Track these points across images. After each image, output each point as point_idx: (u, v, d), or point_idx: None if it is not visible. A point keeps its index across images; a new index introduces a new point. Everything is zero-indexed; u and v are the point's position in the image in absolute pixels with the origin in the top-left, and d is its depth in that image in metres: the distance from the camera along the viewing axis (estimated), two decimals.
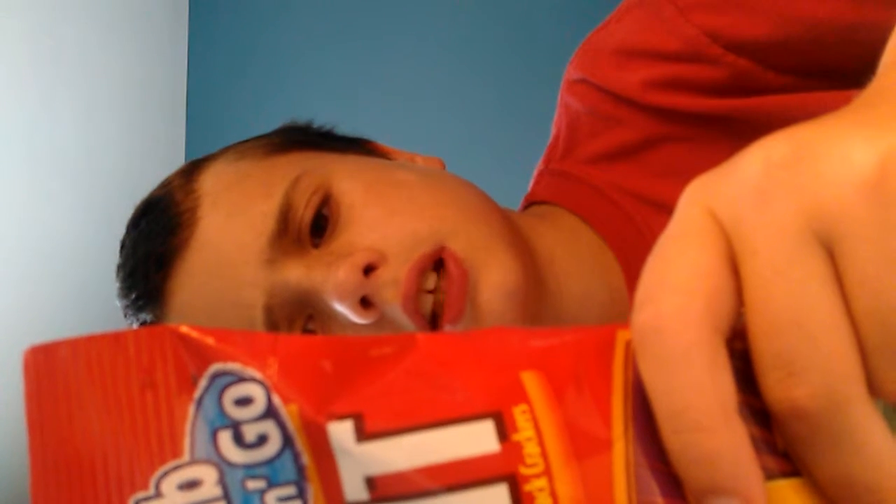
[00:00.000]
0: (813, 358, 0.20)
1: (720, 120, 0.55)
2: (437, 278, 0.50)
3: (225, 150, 0.58)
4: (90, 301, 1.80)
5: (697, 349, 0.20)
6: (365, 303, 0.49)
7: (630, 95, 0.57)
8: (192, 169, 0.57)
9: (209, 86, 2.16)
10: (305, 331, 0.51)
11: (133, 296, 0.55)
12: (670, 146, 0.57)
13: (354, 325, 0.49)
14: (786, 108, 0.53)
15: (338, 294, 0.48)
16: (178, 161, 2.12)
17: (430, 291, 0.50)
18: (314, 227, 0.51)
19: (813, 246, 0.20)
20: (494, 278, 0.50)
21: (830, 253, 0.20)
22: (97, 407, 0.21)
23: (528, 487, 0.21)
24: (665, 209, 0.58)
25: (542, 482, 0.21)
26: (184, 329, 0.22)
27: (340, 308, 0.49)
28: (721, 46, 0.53)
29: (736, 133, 0.55)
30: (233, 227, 0.52)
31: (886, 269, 0.19)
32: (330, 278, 0.49)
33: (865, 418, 0.20)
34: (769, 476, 0.22)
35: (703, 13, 0.53)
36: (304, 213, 0.51)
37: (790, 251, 0.20)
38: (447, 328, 0.49)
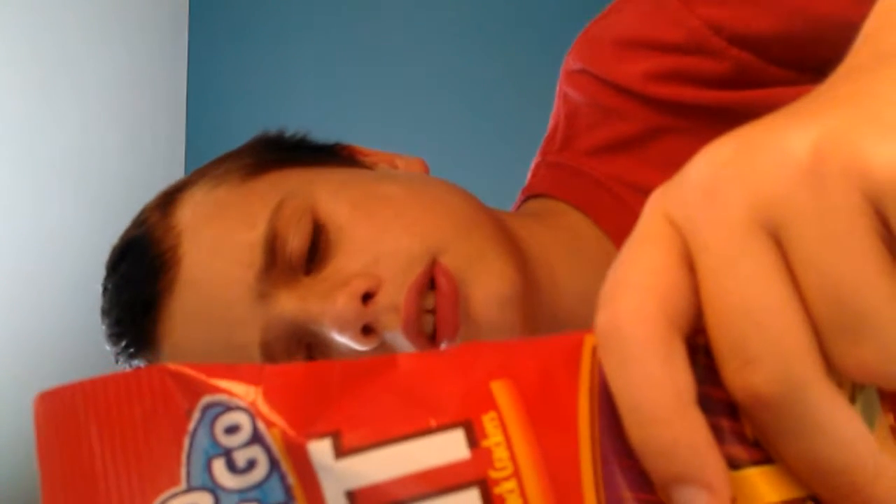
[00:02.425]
0: (764, 344, 0.21)
1: (721, 112, 0.55)
2: (435, 295, 0.49)
3: (199, 176, 0.57)
4: (90, 302, 1.76)
5: (652, 344, 0.21)
6: (366, 330, 0.49)
7: (631, 87, 0.57)
8: (168, 202, 0.55)
9: (209, 87, 2.17)
10: (308, 360, 0.51)
11: (123, 343, 0.55)
12: (671, 138, 0.57)
13: (356, 352, 0.49)
14: (786, 100, 0.52)
15: (338, 325, 0.48)
16: (178, 162, 2.09)
17: (430, 311, 0.49)
18: (308, 256, 0.50)
19: (760, 236, 0.21)
20: (488, 288, 0.49)
21: (777, 241, 0.21)
22: (101, 445, 0.23)
23: (498, 490, 0.22)
24: None
25: (511, 484, 0.22)
26: (174, 367, 0.24)
27: (341, 339, 0.49)
28: (724, 39, 0.53)
29: (737, 125, 0.54)
30: (218, 263, 0.51)
31: (829, 247, 0.20)
32: (328, 310, 0.48)
33: (826, 399, 0.21)
34: (739, 465, 0.22)
35: (707, 6, 0.54)
36: (294, 241, 0.50)
37: (738, 243, 0.21)
38: (444, 345, 0.49)
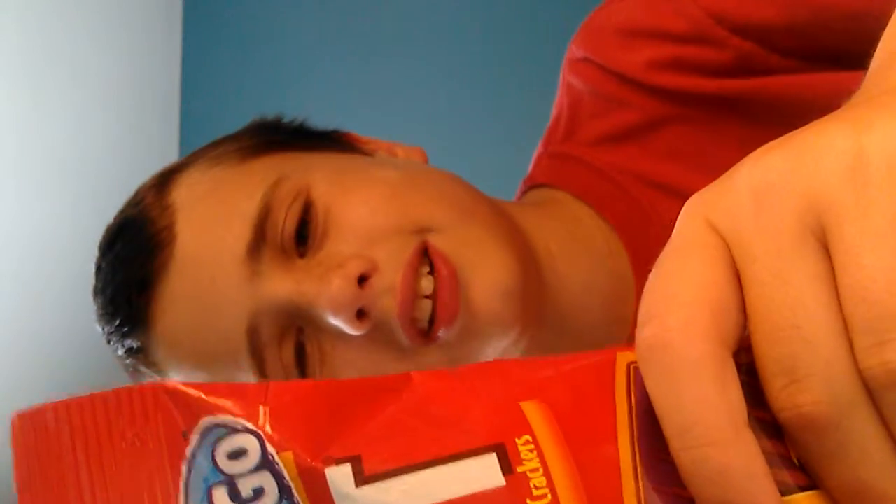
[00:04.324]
0: (814, 363, 0.20)
1: (725, 101, 0.55)
2: (434, 280, 0.48)
3: (197, 157, 0.56)
4: (82, 300, 1.73)
5: (705, 363, 0.20)
6: (360, 314, 0.47)
7: (634, 76, 0.57)
8: (164, 181, 0.54)
9: (203, 84, 2.14)
10: (298, 344, 0.49)
11: (116, 322, 0.53)
12: (675, 128, 0.57)
13: (347, 336, 0.48)
14: (789, 88, 0.54)
15: (333, 308, 0.47)
16: (171, 160, 2.10)
17: (428, 297, 0.48)
18: (298, 236, 0.49)
19: (809, 244, 0.20)
20: (489, 277, 0.48)
21: (825, 245, 0.20)
22: (86, 469, 0.21)
23: None
24: (671, 192, 0.57)
25: None
26: (171, 384, 0.22)
27: (335, 322, 0.47)
28: (726, 29, 0.53)
29: (740, 114, 0.55)
30: (211, 237, 0.50)
31: (869, 243, 0.19)
32: (323, 292, 0.47)
33: (871, 423, 0.20)
34: (785, 491, 0.21)
35: None
36: (287, 221, 0.49)
37: (787, 254, 0.20)
38: (441, 333, 0.48)
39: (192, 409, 0.21)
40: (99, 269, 0.55)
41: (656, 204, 0.57)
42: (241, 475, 0.21)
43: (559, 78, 0.64)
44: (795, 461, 0.21)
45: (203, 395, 0.21)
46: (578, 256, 0.56)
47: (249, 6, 2.13)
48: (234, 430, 0.21)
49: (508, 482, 0.20)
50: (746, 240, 0.21)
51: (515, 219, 0.55)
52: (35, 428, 0.21)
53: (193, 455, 0.21)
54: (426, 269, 0.48)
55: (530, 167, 0.63)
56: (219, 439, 0.21)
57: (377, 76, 1.95)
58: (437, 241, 0.49)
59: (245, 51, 2.10)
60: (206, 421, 0.21)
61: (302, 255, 0.49)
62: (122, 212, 0.55)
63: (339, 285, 0.47)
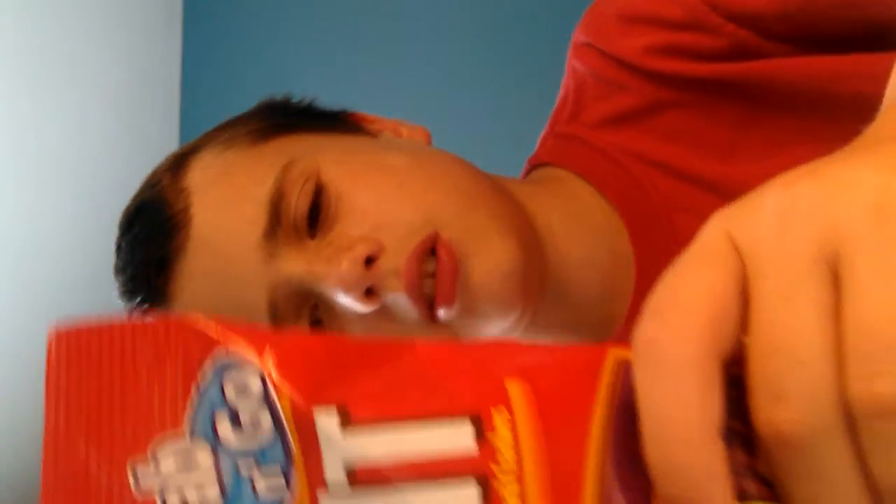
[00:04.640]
0: (801, 384, 0.20)
1: (720, 85, 0.56)
2: (435, 264, 0.50)
3: (209, 139, 0.58)
4: (83, 299, 1.71)
5: (693, 366, 0.21)
6: (368, 292, 0.50)
7: (632, 61, 0.58)
8: (179, 164, 0.57)
9: (203, 84, 2.16)
10: (313, 319, 0.52)
11: (137, 300, 0.56)
12: (673, 112, 0.58)
13: (356, 314, 0.50)
14: (782, 73, 0.55)
15: (343, 286, 0.49)
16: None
17: (431, 275, 0.50)
18: (310, 218, 0.51)
19: (821, 272, 0.20)
20: (488, 263, 0.50)
21: (836, 276, 0.20)
22: (112, 383, 0.23)
23: (498, 489, 0.21)
24: (669, 171, 0.58)
25: (513, 486, 0.21)
26: (192, 319, 0.24)
27: (345, 299, 0.50)
28: (721, 16, 0.54)
29: (736, 97, 0.56)
30: (226, 221, 0.52)
31: (880, 279, 0.19)
32: (332, 272, 0.50)
33: (844, 452, 0.20)
34: (748, 498, 0.22)
35: None
36: (299, 203, 0.51)
37: (799, 278, 0.21)
38: (441, 311, 0.50)
39: (208, 343, 0.24)
40: (119, 248, 0.58)
41: (656, 182, 0.58)
42: (243, 407, 0.23)
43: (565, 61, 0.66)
44: (763, 476, 0.22)
45: (219, 333, 0.24)
46: (578, 232, 0.58)
47: (249, 6, 2.14)
48: (241, 367, 0.23)
49: (479, 448, 0.22)
50: (762, 258, 0.21)
51: (517, 196, 0.57)
52: (71, 344, 0.23)
53: (204, 382, 0.23)
54: (430, 254, 0.51)
55: (536, 147, 0.65)
56: (228, 373, 0.23)
57: (378, 76, 1.95)
58: (445, 233, 0.51)
59: (245, 51, 2.11)
60: (219, 355, 0.23)
61: (313, 236, 0.52)
62: (140, 194, 0.58)
63: (347, 266, 0.49)
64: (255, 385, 0.23)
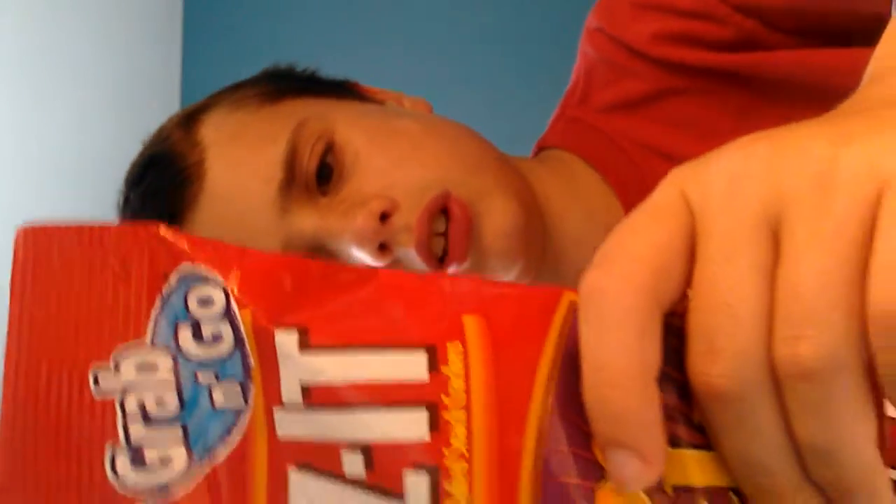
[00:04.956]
0: (733, 340, 0.21)
1: (726, 75, 0.58)
2: (447, 221, 0.52)
3: (217, 100, 0.59)
4: None
5: (632, 314, 0.22)
6: (381, 247, 0.52)
7: (640, 47, 0.60)
8: (189, 121, 0.58)
9: (203, 84, 2.13)
10: None
11: None
12: (679, 99, 0.60)
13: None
14: (788, 64, 0.56)
15: (357, 241, 0.51)
16: None
17: (441, 234, 0.53)
18: (319, 176, 0.53)
19: (763, 233, 0.21)
20: (497, 221, 0.53)
21: (777, 238, 0.21)
22: (76, 285, 0.24)
23: (446, 416, 0.22)
24: (672, 160, 0.59)
25: (460, 414, 0.22)
26: (162, 230, 0.24)
27: (359, 253, 0.52)
28: (729, 6, 0.56)
29: (742, 87, 0.58)
30: (241, 178, 0.54)
31: (814, 246, 0.20)
32: (348, 226, 0.52)
33: (769, 406, 0.21)
34: (678, 444, 0.23)
35: None
36: (310, 162, 0.53)
37: (741, 238, 0.21)
38: (453, 268, 0.52)
39: (174, 255, 0.24)
40: (127, 201, 0.58)
41: (655, 169, 0.60)
42: (206, 320, 0.24)
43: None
44: (696, 423, 0.23)
45: (187, 246, 0.24)
46: (575, 210, 0.60)
47: (249, 6, 2.11)
48: (206, 281, 0.24)
49: (431, 378, 0.23)
50: (709, 216, 0.22)
51: (523, 172, 0.59)
52: (36, 243, 0.24)
53: (169, 294, 0.24)
54: (441, 213, 0.53)
55: (546, 130, 0.67)
56: (192, 286, 0.24)
57: (380, 75, 1.92)
58: (456, 192, 0.53)
59: (245, 51, 2.06)
60: (184, 267, 0.24)
61: (325, 194, 0.53)
62: (148, 148, 0.59)
63: (362, 220, 0.51)
64: (219, 299, 0.24)
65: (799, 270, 0.20)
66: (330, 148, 0.53)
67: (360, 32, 2.01)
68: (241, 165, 0.54)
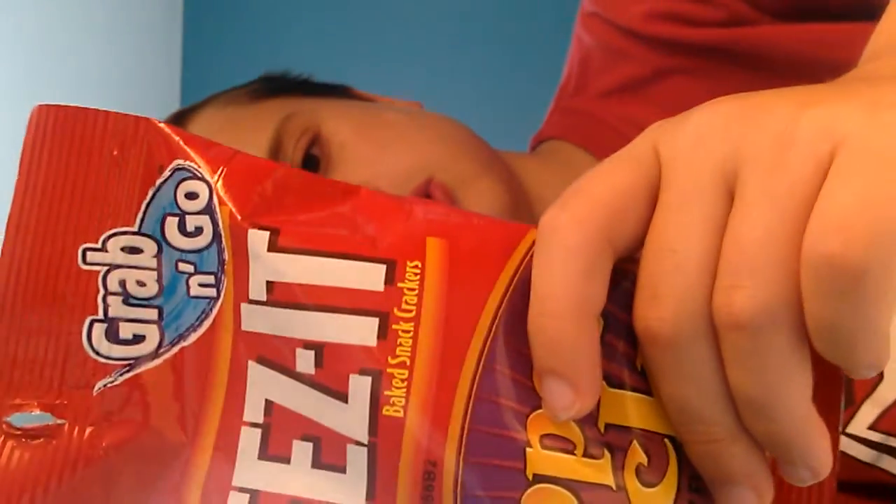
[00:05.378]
0: (674, 286, 0.22)
1: (721, 52, 0.57)
2: None
3: (208, 101, 0.60)
4: None
5: (580, 251, 0.22)
6: None
7: (632, 26, 0.59)
8: (179, 119, 0.59)
9: (203, 84, 2.12)
10: None
11: None
12: (676, 79, 0.59)
13: None
14: (777, 38, 0.55)
15: None
16: None
17: None
18: (305, 168, 0.52)
19: (719, 187, 0.22)
20: (479, 205, 0.52)
21: (732, 194, 0.22)
22: (77, 164, 0.25)
23: (395, 327, 0.23)
24: None
25: (409, 326, 0.23)
26: (161, 124, 0.26)
27: None
28: None
29: (738, 64, 0.57)
30: None
31: (764, 201, 0.21)
32: None
33: (706, 355, 0.22)
34: (620, 386, 0.24)
35: None
36: (294, 154, 0.52)
37: (696, 189, 0.22)
38: None
39: (171, 149, 0.26)
40: None
41: None
42: (190, 213, 0.25)
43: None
44: (639, 367, 0.24)
45: (182, 141, 0.26)
46: None
47: (250, 6, 2.09)
48: (194, 176, 0.25)
49: (386, 290, 0.24)
50: (673, 168, 0.23)
51: (512, 165, 0.58)
52: (48, 121, 0.26)
53: (161, 185, 0.25)
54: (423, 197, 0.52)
55: (542, 124, 0.66)
56: (182, 180, 0.25)
57: (380, 75, 1.90)
58: (439, 177, 0.52)
59: (245, 51, 2.07)
60: (178, 162, 0.25)
61: None
62: None
63: None
64: (204, 194, 0.25)
65: (744, 223, 0.21)
66: (316, 140, 0.53)
67: (361, 29, 2.01)
68: None
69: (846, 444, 0.35)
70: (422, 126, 0.56)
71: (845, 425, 0.35)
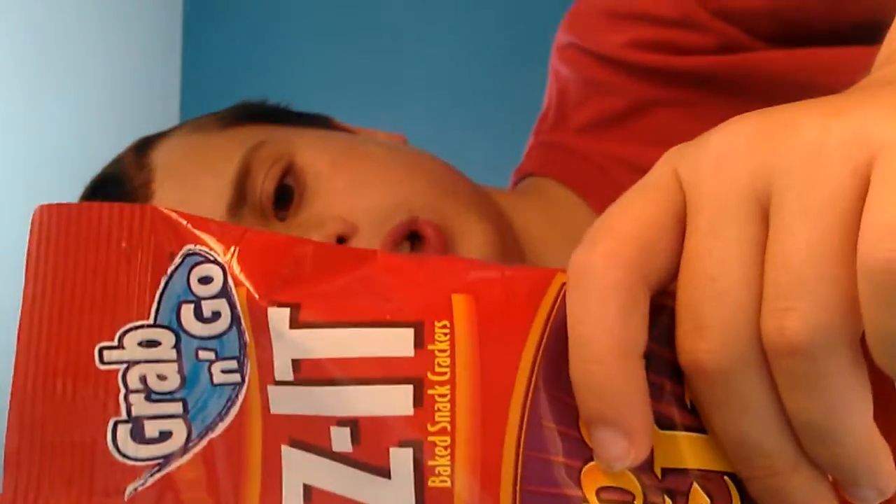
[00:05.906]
0: (719, 315, 0.21)
1: (705, 80, 0.55)
2: (411, 248, 0.48)
3: (179, 126, 0.57)
4: None
5: (616, 291, 0.21)
6: None
7: (615, 55, 0.57)
8: (144, 144, 0.56)
9: (203, 84, 2.14)
10: None
11: None
12: (659, 111, 0.57)
13: None
14: (771, 64, 0.53)
15: None
16: None
17: None
18: (278, 200, 0.49)
19: (752, 208, 0.21)
20: (473, 244, 0.49)
21: (767, 211, 0.21)
22: (85, 262, 0.25)
23: (431, 392, 0.22)
24: None
25: (445, 389, 0.22)
26: (167, 211, 0.25)
27: None
28: (709, 12, 0.53)
29: (722, 94, 0.55)
30: (189, 194, 0.50)
31: (805, 217, 0.20)
32: None
33: (760, 382, 0.21)
34: (671, 426, 0.23)
35: None
36: (265, 183, 0.49)
37: (728, 212, 0.21)
38: None
39: (179, 235, 0.25)
40: None
41: None
42: (205, 298, 0.24)
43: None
44: (689, 404, 0.23)
45: (190, 225, 0.25)
46: (555, 239, 0.56)
47: (250, 7, 2.11)
48: (207, 260, 0.24)
49: (416, 355, 0.23)
50: (699, 192, 0.22)
51: (499, 204, 0.56)
52: (51, 221, 0.25)
53: (173, 273, 0.25)
54: (406, 240, 0.48)
55: (522, 158, 0.64)
56: (195, 265, 0.25)
57: (379, 76, 1.92)
58: (425, 216, 0.49)
59: (245, 51, 2.08)
60: (188, 248, 0.25)
61: (282, 220, 0.49)
62: (103, 170, 0.57)
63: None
64: (218, 277, 0.24)
65: (788, 242, 0.20)
66: (289, 170, 0.49)
67: (361, 35, 2.01)
68: (191, 182, 0.51)
69: None
70: (402, 161, 0.52)
71: None
